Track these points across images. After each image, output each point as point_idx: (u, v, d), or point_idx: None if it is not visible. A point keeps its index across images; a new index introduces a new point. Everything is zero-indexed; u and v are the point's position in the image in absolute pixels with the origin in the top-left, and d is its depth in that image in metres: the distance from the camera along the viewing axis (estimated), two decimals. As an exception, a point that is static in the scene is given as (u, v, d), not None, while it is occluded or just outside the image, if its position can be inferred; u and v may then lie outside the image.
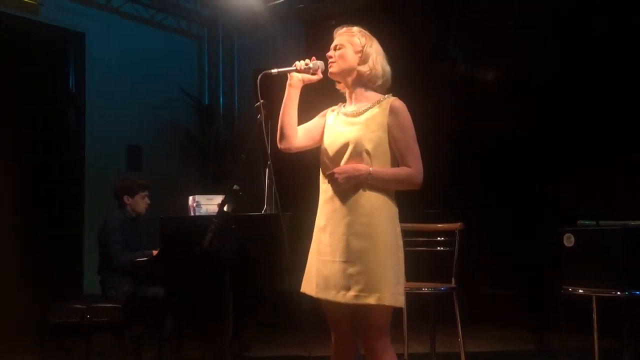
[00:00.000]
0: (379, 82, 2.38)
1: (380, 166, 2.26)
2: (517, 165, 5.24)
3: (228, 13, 6.95)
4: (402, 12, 5.79)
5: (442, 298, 3.51)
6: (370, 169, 2.23)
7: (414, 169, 2.27)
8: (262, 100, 2.45)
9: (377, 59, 2.36)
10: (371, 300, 2.17)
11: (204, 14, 7.13)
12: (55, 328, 3.71)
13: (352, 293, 2.19)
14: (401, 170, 2.28)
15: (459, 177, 5.44)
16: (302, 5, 6.48)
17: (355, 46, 2.36)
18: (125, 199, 4.13)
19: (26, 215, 5.29)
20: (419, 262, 3.47)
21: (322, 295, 2.28)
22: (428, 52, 5.87)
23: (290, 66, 2.40)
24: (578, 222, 3.55)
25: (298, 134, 2.40)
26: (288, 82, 2.41)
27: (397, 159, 2.31)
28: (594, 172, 4.82)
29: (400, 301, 2.22)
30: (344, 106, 2.45)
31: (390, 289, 2.19)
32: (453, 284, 3.47)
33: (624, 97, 4.75)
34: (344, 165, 2.26)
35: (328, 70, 2.39)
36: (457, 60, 5.99)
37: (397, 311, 2.28)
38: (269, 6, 6.55)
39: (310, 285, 2.34)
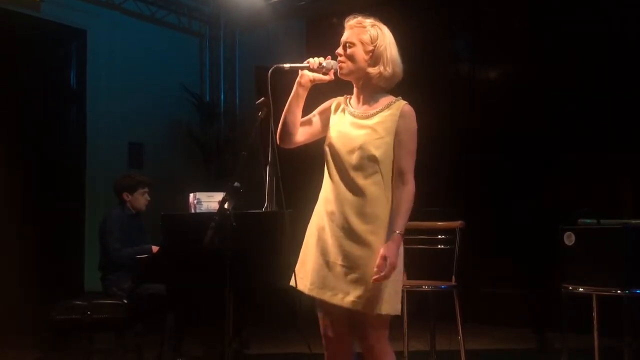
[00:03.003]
0: (388, 82, 2.30)
1: (387, 170, 2.23)
2: (518, 163, 5.24)
3: (230, 10, 6.95)
4: (406, 10, 5.77)
5: (443, 296, 3.51)
6: (397, 232, 2.17)
7: (409, 187, 2.22)
8: (263, 98, 2.42)
9: (388, 59, 2.25)
10: (368, 308, 2.17)
11: (205, 12, 7.12)
12: (56, 325, 3.72)
13: (350, 298, 2.18)
14: (403, 202, 2.21)
15: (460, 175, 5.44)
16: (303, 3, 6.48)
17: (365, 45, 2.25)
18: (125, 195, 4.13)
19: (27, 212, 5.29)
20: (420, 260, 3.47)
21: (315, 293, 2.25)
22: (432, 51, 5.86)
23: (303, 62, 2.30)
24: (579, 220, 3.55)
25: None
26: (298, 79, 2.31)
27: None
28: (595, 171, 4.82)
29: (397, 309, 2.22)
30: (349, 100, 2.37)
31: (388, 298, 2.18)
32: (453, 282, 3.47)
33: (626, 96, 4.74)
34: (380, 259, 2.14)
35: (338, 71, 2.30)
36: (461, 59, 5.99)
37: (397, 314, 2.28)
38: (271, 3, 6.55)
39: (303, 281, 2.30)
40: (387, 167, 2.24)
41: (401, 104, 2.28)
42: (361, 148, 2.22)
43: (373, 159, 2.22)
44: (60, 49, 5.99)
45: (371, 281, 2.15)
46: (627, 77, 4.73)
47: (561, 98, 5.08)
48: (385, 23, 2.34)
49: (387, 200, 2.24)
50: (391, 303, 2.19)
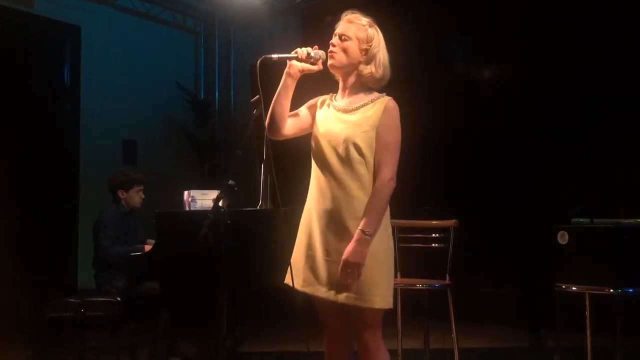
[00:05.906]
0: (377, 83, 2.31)
1: (372, 163, 2.22)
2: (512, 162, 5.25)
3: (225, 8, 6.93)
4: (403, 9, 5.78)
5: (436, 294, 3.51)
6: (361, 230, 2.13)
7: (380, 182, 2.18)
8: (258, 95, 2.42)
9: (380, 61, 2.27)
10: (361, 303, 2.17)
11: (200, 9, 7.11)
12: (49, 322, 3.70)
13: (343, 294, 2.18)
14: (373, 198, 2.18)
15: (454, 174, 5.45)
16: (299, 1, 6.48)
17: (361, 42, 2.26)
18: (120, 193, 4.12)
19: (21, 210, 5.27)
20: (414, 258, 3.48)
21: (309, 290, 2.26)
22: (428, 51, 5.87)
23: (291, 53, 2.31)
24: (572, 220, 3.56)
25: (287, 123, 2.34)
26: (286, 69, 2.31)
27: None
28: (589, 171, 4.84)
29: (389, 303, 2.22)
30: (334, 97, 2.38)
31: (381, 292, 2.19)
32: (447, 281, 3.48)
33: (621, 97, 4.76)
34: (342, 265, 2.14)
35: (327, 61, 2.30)
36: (456, 59, 6.00)
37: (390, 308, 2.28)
38: (266, 1, 6.54)
39: (296, 279, 2.30)
40: (370, 160, 2.23)
41: (385, 100, 2.28)
42: (346, 141, 2.23)
43: (358, 152, 2.22)
44: (54, 45, 5.96)
45: (363, 276, 2.15)
46: (623, 77, 4.74)
47: (556, 98, 5.10)
48: (380, 22, 2.34)
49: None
50: (384, 296, 2.20)
